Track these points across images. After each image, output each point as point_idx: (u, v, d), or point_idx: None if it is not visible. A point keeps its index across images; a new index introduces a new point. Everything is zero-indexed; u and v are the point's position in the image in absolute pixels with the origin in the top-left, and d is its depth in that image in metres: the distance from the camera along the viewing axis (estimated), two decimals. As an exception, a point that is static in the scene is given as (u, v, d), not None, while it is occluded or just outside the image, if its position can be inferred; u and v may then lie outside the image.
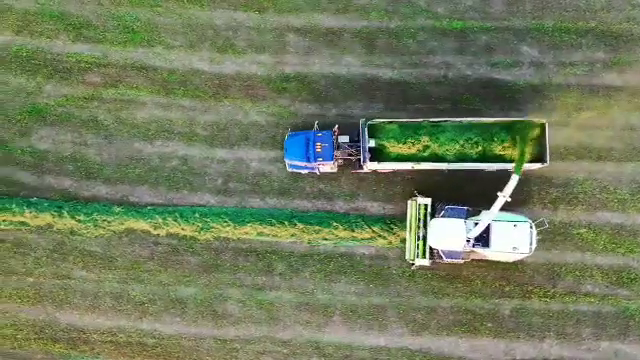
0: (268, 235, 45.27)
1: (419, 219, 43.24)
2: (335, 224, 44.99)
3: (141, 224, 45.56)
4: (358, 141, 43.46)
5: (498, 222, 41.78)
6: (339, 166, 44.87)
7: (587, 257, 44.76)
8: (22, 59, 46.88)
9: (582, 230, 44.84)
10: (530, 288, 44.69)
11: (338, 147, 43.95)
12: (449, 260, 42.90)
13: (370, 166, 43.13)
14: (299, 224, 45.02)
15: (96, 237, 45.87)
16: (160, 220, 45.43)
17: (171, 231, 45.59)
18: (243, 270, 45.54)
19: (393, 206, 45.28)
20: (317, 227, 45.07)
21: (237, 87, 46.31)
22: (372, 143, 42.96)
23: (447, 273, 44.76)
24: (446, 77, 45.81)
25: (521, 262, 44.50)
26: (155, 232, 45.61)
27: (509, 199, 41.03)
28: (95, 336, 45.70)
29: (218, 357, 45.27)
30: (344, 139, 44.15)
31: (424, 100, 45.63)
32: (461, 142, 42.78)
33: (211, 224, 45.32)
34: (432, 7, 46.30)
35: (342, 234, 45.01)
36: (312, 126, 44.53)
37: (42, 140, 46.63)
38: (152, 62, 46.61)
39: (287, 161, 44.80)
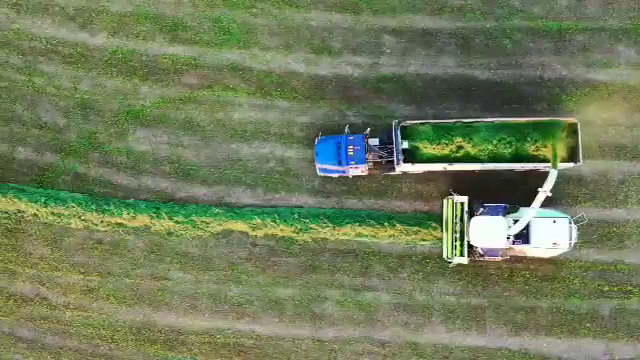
0: (367, 236, 45.27)
1: (455, 217, 43.48)
2: (434, 225, 44.98)
3: (239, 225, 45.58)
4: (389, 143, 43.64)
5: (538, 218, 42.00)
6: (369, 169, 44.86)
7: (686, 257, 44.88)
8: (118, 61, 46.92)
9: (681, 230, 44.92)
10: (629, 288, 44.67)
11: (369, 150, 44.08)
12: (488, 258, 43.13)
13: (403, 168, 43.16)
14: (398, 225, 45.01)
15: (193, 238, 45.93)
16: (259, 221, 45.44)
17: (269, 232, 45.60)
18: (341, 271, 45.57)
19: (491, 207, 45.20)
20: (416, 228, 45.08)
21: (333, 88, 46.32)
22: (405, 145, 43.00)
23: (545, 273, 44.77)
24: (542, 77, 45.78)
25: (621, 262, 44.58)
26: (253, 233, 45.62)
27: (550, 194, 41.19)
28: (192, 337, 45.78)
29: (316, 358, 45.31)
30: (374, 142, 44.40)
31: (520, 101, 45.62)
32: (494, 142, 42.80)
33: (310, 225, 45.32)
34: (527, 7, 46.26)
35: (441, 235, 44.96)
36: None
37: (139, 141, 46.68)
38: (248, 63, 46.61)
39: (318, 165, 44.91)
